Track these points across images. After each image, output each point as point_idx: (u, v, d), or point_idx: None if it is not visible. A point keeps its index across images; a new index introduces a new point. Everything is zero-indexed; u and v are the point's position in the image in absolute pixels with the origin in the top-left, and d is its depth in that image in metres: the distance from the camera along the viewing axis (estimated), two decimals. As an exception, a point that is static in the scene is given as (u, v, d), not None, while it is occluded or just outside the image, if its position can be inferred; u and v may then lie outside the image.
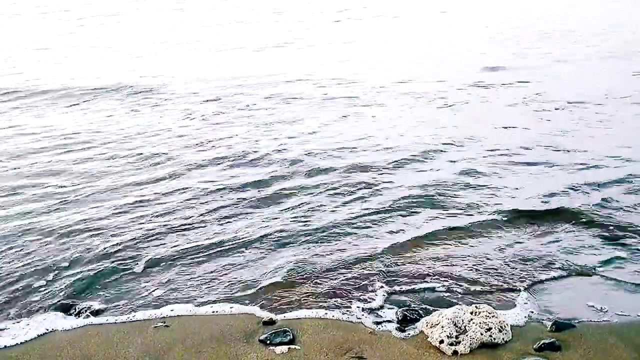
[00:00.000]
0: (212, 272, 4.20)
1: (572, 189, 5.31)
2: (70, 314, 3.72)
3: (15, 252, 4.59)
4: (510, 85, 9.56)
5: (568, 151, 6.32)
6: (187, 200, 5.49)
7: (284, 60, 12.83)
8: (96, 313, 3.72)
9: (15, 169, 6.56)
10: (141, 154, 6.89)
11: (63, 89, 10.73)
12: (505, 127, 7.34)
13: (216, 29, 18.30)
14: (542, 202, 5.07)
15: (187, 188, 5.76)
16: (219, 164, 6.45)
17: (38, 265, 4.36)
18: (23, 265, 4.36)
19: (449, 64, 11.57)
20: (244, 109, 8.84)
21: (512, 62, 11.36)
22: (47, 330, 3.57)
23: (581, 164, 5.91)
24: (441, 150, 6.56)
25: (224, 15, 21.82)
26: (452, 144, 6.73)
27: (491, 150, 6.46)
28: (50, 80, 11.56)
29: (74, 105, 9.65)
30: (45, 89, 10.72)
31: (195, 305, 3.77)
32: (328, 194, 5.49)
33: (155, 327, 3.54)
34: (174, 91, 10.25)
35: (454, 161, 6.19)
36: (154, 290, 3.97)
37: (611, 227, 4.55)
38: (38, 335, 3.52)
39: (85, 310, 3.73)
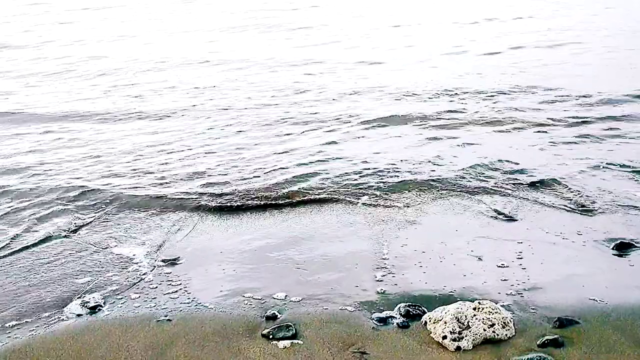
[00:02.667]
0: (214, 268, 4.19)
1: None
2: (72, 308, 3.72)
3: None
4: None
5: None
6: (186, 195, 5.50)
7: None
8: (98, 307, 3.71)
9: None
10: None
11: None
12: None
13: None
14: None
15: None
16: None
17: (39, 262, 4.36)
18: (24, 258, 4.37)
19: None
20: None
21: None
22: (49, 323, 3.56)
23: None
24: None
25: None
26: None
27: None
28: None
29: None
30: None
31: (199, 300, 3.77)
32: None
33: (158, 321, 3.54)
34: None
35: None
36: (157, 285, 3.96)
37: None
38: (40, 329, 3.51)
39: (87, 304, 3.72)
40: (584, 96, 8.54)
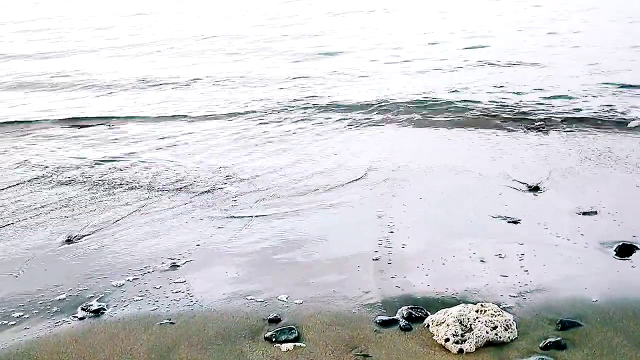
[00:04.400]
0: (216, 270, 4.20)
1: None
2: (75, 311, 3.72)
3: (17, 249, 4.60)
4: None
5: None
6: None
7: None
8: (101, 310, 3.72)
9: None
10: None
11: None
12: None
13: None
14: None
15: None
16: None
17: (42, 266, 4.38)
18: (27, 261, 4.38)
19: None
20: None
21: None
22: (52, 327, 3.57)
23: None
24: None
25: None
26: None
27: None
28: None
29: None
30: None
31: (201, 302, 3.77)
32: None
33: (161, 324, 3.55)
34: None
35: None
36: (159, 287, 3.97)
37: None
38: (43, 333, 3.52)
39: (91, 307, 3.73)
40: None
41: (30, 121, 8.84)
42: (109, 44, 16.61)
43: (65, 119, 8.87)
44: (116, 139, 7.67)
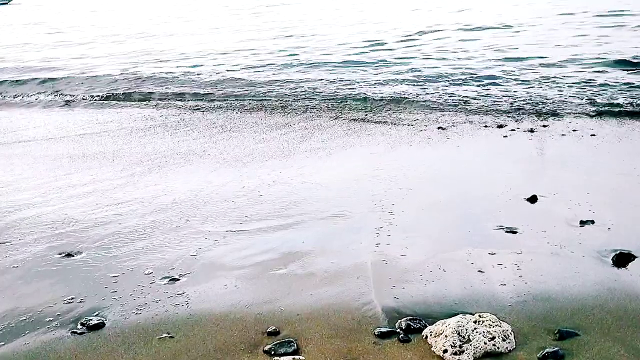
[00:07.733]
0: (216, 281, 4.21)
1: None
2: (75, 326, 3.73)
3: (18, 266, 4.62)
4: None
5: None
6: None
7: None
8: (101, 324, 3.72)
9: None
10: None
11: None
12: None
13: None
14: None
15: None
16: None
17: (42, 276, 4.39)
18: (25, 272, 4.40)
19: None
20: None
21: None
22: (51, 342, 3.58)
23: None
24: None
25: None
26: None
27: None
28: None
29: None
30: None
31: (200, 315, 3.78)
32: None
33: (160, 338, 3.56)
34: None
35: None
36: (158, 301, 3.98)
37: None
38: (43, 348, 3.53)
39: (90, 322, 3.74)
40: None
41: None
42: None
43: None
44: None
